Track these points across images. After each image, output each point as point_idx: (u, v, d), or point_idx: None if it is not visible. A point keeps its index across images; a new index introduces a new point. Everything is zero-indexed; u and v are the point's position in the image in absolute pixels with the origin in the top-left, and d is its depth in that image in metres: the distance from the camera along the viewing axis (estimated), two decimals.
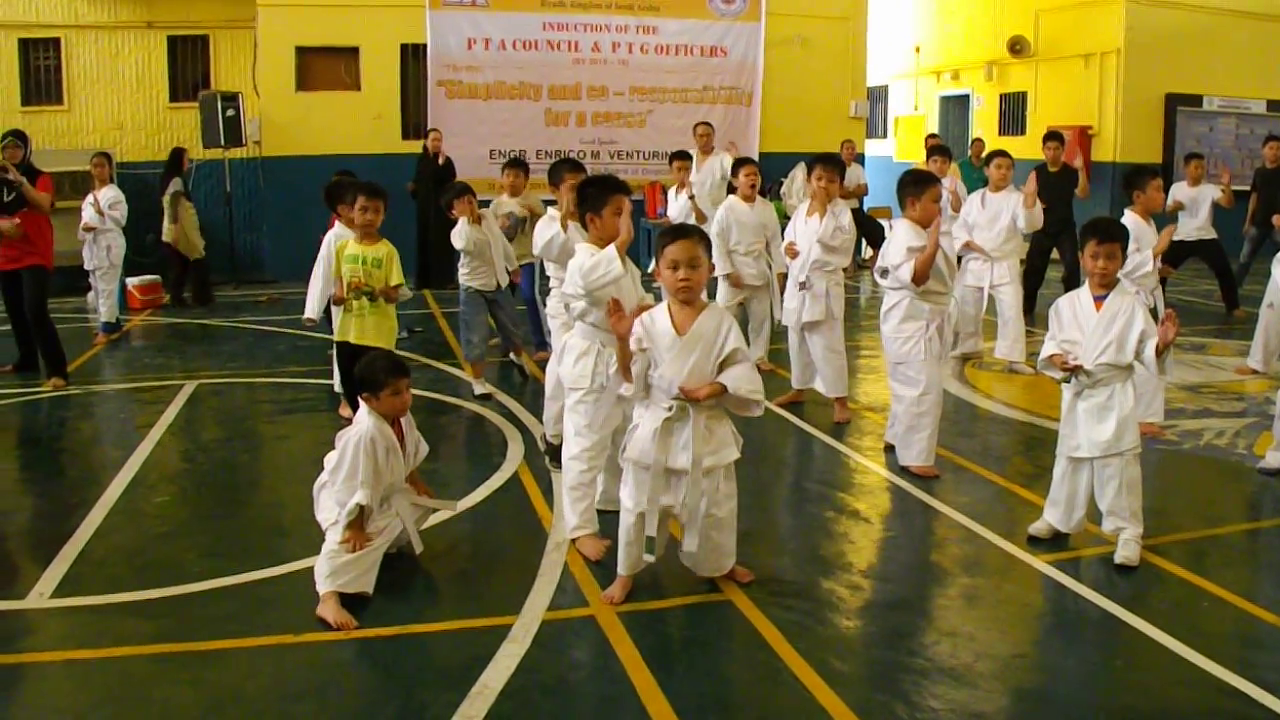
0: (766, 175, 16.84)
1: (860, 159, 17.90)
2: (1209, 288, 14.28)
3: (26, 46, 16.99)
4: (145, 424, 8.16)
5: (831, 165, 8.16)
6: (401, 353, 8.20)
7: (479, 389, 8.96)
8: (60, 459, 7.71)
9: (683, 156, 11.56)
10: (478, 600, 5.03)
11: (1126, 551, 5.40)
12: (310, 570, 5.10)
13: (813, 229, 8.08)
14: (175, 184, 14.67)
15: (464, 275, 8.99)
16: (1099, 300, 5.48)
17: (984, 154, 16.30)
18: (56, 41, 17.03)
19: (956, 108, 23.16)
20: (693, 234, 4.80)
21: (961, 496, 6.57)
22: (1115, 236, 5.45)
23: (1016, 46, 20.67)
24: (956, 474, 7.00)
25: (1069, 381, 5.48)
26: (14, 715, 4.07)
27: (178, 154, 14.87)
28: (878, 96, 24.59)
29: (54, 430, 8.44)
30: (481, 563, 5.57)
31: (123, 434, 8.14)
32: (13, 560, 5.69)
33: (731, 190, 10.04)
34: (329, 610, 4.77)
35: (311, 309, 8.33)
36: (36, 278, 9.39)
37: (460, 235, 8.78)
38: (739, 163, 9.81)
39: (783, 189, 16.29)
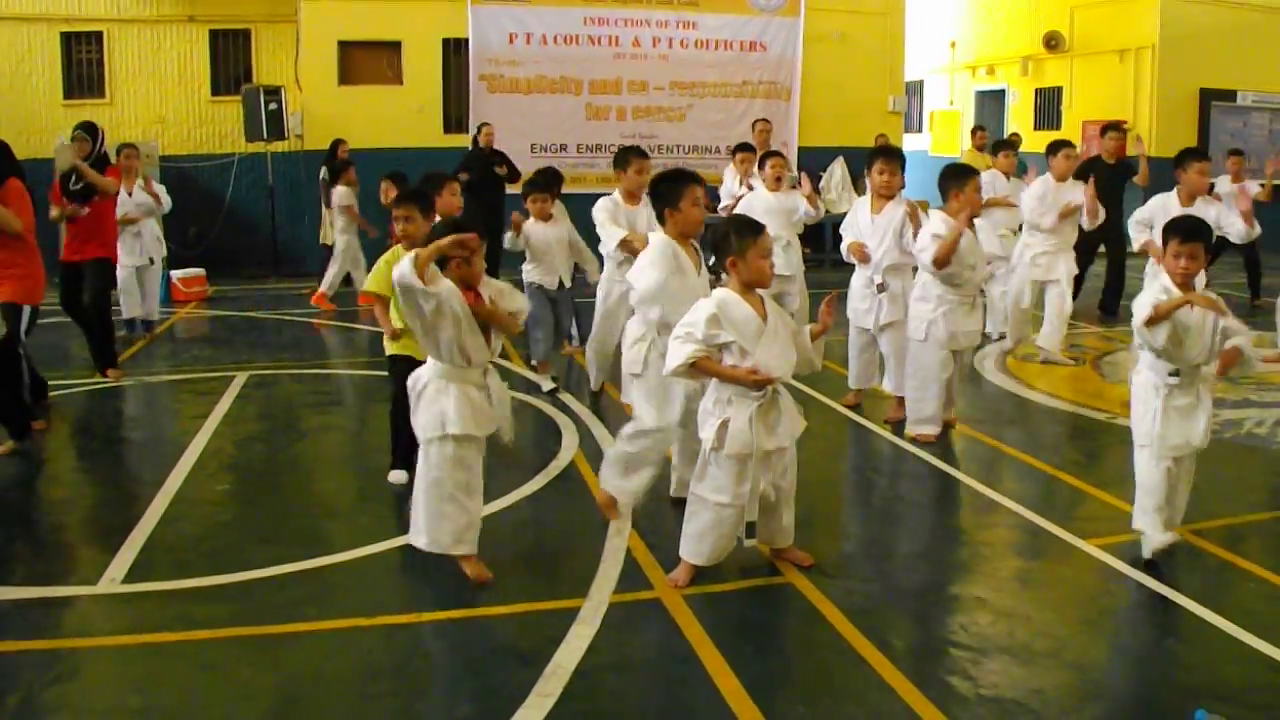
0: (807, 170, 16.97)
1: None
2: (1242, 280, 14.23)
3: (69, 40, 17.19)
4: (200, 414, 8.25)
5: (893, 158, 7.90)
6: None
7: (546, 385, 8.92)
8: (120, 448, 7.83)
9: (746, 149, 11.44)
10: (545, 584, 5.10)
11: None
12: (371, 558, 5.37)
13: (881, 228, 7.83)
14: (324, 172, 14.93)
15: (527, 270, 9.00)
16: None
17: (1019, 145, 16.40)
18: (99, 35, 17.23)
19: (992, 102, 23.11)
20: None
21: (1013, 484, 6.65)
22: (1199, 235, 5.27)
23: (1052, 42, 20.65)
24: (1008, 463, 7.07)
25: (1176, 375, 5.29)
26: (95, 694, 4.17)
27: (334, 145, 15.05)
28: (913, 91, 24.54)
29: (111, 420, 8.57)
30: (546, 548, 5.66)
31: (179, 424, 8.26)
32: (83, 547, 5.79)
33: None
34: (468, 567, 5.10)
35: None
36: (101, 270, 9.40)
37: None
38: (766, 155, 9.81)
39: (821, 184, 16.29)
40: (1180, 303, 5.08)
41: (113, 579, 5.18)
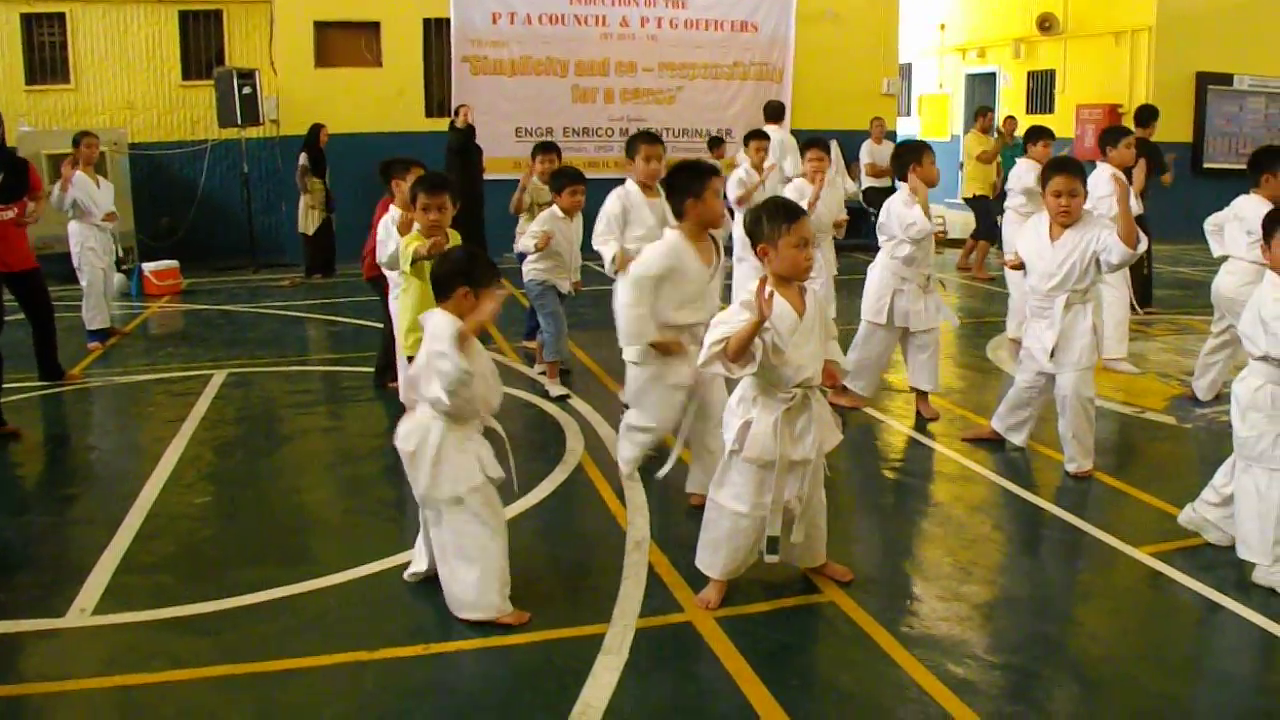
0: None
1: (891, 136, 17.41)
2: None
3: (30, 21, 16.49)
4: (176, 418, 7.72)
5: (929, 151, 7.40)
6: None
7: (555, 391, 8.18)
8: (89, 456, 7.30)
9: (761, 136, 10.60)
10: (563, 608, 4.61)
11: None
12: (369, 579, 4.91)
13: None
14: (303, 159, 14.48)
15: (540, 270, 8.33)
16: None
17: (1015, 130, 16.05)
18: (61, 16, 16.54)
19: (982, 86, 22.74)
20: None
21: (1051, 485, 6.21)
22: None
23: (1046, 23, 20.31)
24: (1041, 462, 6.59)
25: None
26: None
27: (313, 130, 14.61)
28: (901, 75, 24.14)
29: (79, 425, 8.06)
30: (560, 566, 5.15)
31: (153, 429, 7.70)
32: (48, 572, 5.22)
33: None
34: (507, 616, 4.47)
35: None
36: (41, 275, 8.65)
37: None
38: (750, 135, 9.51)
39: None
40: None
41: (82, 609, 4.66)
